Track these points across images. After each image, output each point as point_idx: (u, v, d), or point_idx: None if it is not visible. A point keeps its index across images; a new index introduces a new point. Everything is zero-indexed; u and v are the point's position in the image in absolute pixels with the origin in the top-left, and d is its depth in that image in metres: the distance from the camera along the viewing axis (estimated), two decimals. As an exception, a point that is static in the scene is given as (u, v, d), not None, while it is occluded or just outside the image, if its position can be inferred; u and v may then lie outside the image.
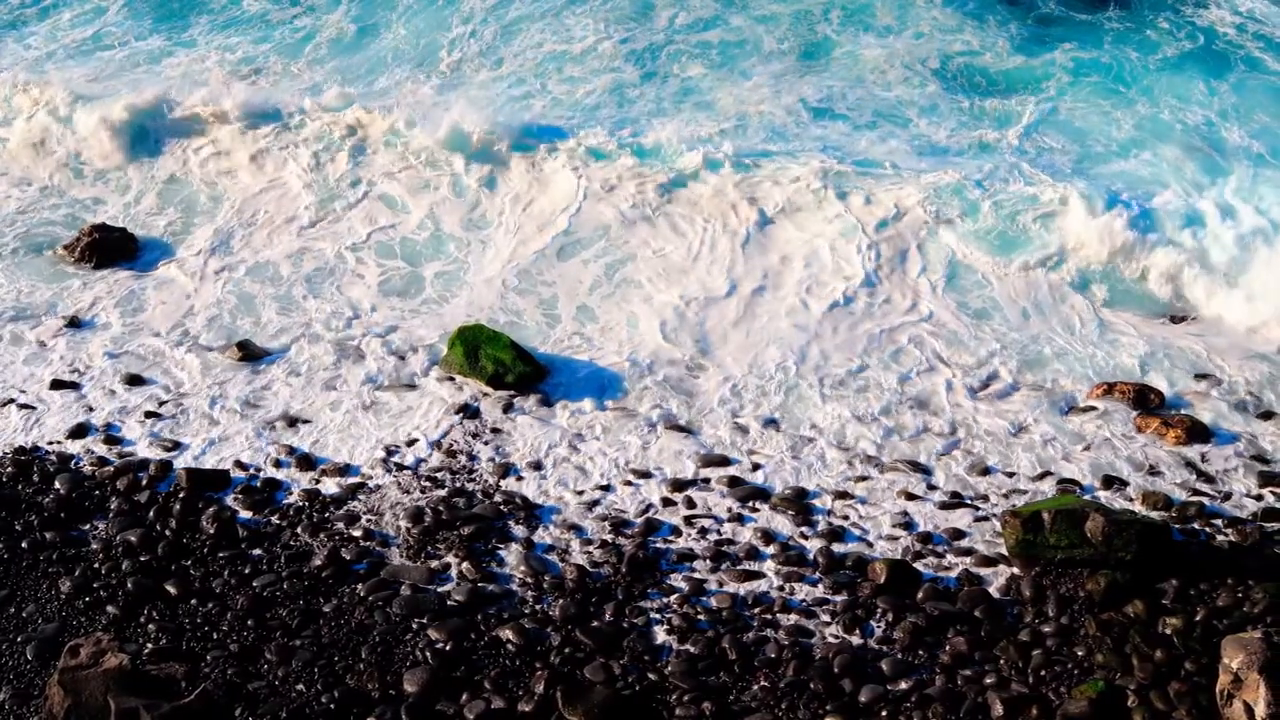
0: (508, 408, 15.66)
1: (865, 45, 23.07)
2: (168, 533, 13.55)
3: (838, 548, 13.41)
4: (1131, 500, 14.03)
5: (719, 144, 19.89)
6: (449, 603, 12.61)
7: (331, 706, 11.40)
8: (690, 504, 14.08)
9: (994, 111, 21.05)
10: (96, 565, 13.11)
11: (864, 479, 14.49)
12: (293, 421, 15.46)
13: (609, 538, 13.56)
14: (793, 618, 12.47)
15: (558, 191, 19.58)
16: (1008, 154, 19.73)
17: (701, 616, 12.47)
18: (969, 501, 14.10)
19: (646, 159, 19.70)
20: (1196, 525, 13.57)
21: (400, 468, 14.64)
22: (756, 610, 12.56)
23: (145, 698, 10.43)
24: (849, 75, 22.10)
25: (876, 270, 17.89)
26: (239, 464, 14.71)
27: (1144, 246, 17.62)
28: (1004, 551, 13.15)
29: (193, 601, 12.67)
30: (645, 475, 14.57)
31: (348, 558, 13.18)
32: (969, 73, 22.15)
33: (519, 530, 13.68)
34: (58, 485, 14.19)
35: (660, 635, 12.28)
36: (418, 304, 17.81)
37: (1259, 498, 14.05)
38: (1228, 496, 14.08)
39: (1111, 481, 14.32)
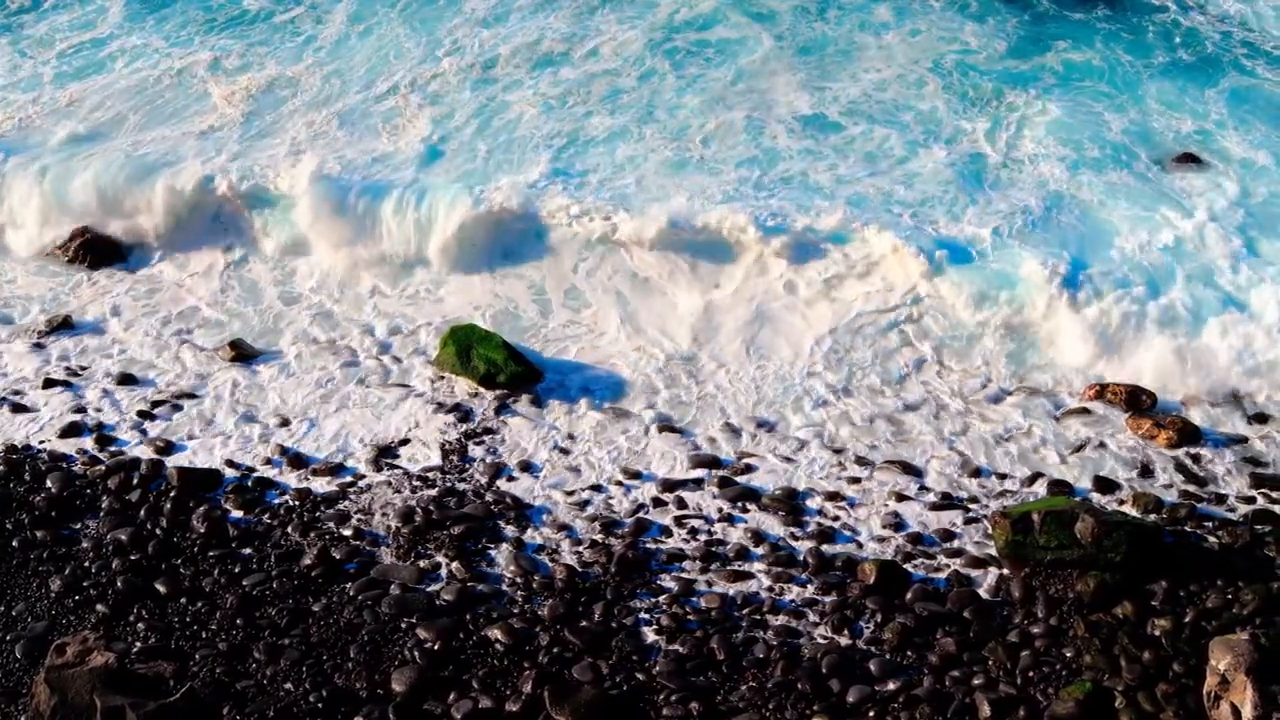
0: (500, 408, 15.66)
1: (862, 45, 23.05)
2: (158, 532, 13.56)
3: (828, 548, 13.40)
4: (1123, 502, 14.01)
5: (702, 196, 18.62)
6: (438, 602, 12.61)
7: (319, 705, 11.41)
8: (681, 504, 14.08)
9: (988, 115, 20.88)
10: (87, 564, 13.13)
11: (855, 480, 14.49)
12: (285, 421, 15.48)
13: (599, 538, 13.56)
14: (782, 618, 12.46)
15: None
16: (996, 175, 19.22)
17: (691, 617, 12.46)
18: (960, 503, 14.09)
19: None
20: (1187, 527, 13.56)
21: (391, 467, 14.65)
22: (746, 611, 12.56)
23: (131, 696, 10.43)
24: (843, 75, 22.04)
25: (867, 281, 17.62)
26: (230, 463, 14.73)
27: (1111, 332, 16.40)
28: (994, 553, 13.14)
29: (182, 600, 12.68)
30: (636, 476, 14.57)
31: (338, 557, 13.18)
32: (965, 72, 22.08)
33: (509, 530, 13.68)
34: (49, 484, 14.20)
35: (649, 635, 12.27)
36: (412, 296, 17.82)
37: (1250, 500, 14.04)
38: (1220, 499, 14.06)
39: (1103, 483, 14.31)
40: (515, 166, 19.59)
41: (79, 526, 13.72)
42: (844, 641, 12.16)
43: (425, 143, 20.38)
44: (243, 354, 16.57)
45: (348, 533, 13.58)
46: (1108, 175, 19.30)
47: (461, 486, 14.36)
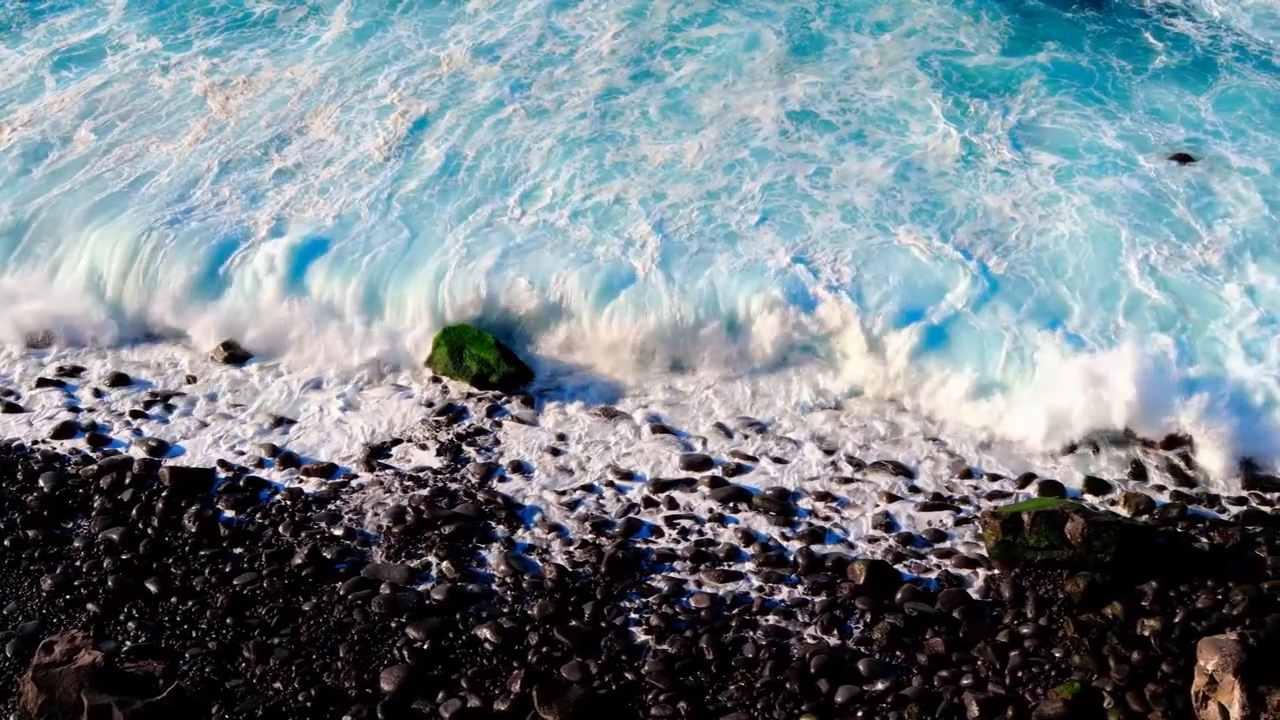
0: (492, 408, 15.67)
1: (858, 44, 23.08)
2: (150, 531, 13.57)
3: (818, 549, 13.40)
4: (1115, 503, 14.01)
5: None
6: (428, 602, 12.62)
7: (308, 704, 11.42)
8: (672, 504, 14.08)
9: (981, 117, 20.84)
10: (78, 563, 13.14)
11: (847, 480, 14.49)
12: (277, 421, 15.49)
13: (590, 538, 13.57)
14: (771, 618, 12.46)
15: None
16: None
17: (680, 617, 12.46)
18: (951, 503, 14.09)
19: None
20: (1179, 527, 13.55)
21: (383, 467, 14.66)
22: (735, 611, 12.55)
23: (118, 694, 10.45)
24: (838, 73, 22.05)
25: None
26: (223, 463, 14.73)
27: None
28: (984, 553, 13.13)
29: (173, 600, 12.70)
30: (628, 476, 14.58)
31: (328, 556, 13.19)
32: (957, 72, 22.09)
33: (500, 530, 13.69)
34: (42, 483, 14.22)
35: (639, 635, 12.27)
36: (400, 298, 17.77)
37: (1242, 500, 14.03)
38: (1212, 499, 14.05)
39: (1095, 484, 14.31)
40: (505, 179, 19.29)
41: (71, 526, 13.74)
42: (833, 641, 12.16)
43: (415, 163, 19.81)
44: (236, 354, 16.59)
45: (339, 532, 13.59)
46: (1104, 179, 19.16)
47: (453, 486, 14.36)
